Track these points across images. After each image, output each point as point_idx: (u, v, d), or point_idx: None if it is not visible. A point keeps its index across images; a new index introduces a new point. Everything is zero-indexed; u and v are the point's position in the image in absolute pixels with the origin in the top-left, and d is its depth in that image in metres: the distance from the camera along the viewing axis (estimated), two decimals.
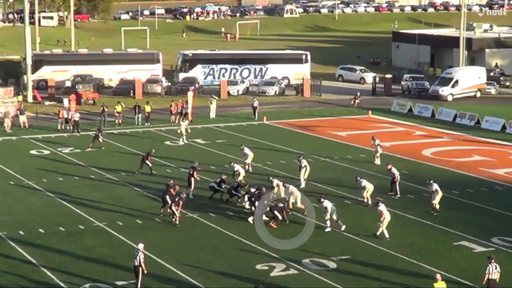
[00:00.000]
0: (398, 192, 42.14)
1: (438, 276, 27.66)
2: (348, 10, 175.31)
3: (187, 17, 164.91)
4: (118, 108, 62.84)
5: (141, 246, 29.77)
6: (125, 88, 78.17)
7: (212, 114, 65.83)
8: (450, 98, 77.44)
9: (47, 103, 73.98)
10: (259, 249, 33.91)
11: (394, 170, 42.76)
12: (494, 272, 28.35)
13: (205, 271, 31.46)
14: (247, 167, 46.77)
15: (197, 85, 79.17)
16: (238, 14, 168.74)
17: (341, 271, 31.53)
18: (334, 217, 36.46)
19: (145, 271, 29.43)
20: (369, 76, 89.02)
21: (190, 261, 32.52)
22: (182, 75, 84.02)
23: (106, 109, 62.55)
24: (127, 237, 35.26)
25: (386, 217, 35.54)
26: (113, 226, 36.99)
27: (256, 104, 66.15)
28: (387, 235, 35.22)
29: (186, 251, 33.91)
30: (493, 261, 28.61)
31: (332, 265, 32.20)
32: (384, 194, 41.75)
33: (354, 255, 33.24)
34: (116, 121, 62.51)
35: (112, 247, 34.27)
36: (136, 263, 29.33)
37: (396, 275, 31.18)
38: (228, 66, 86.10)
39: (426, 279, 29.53)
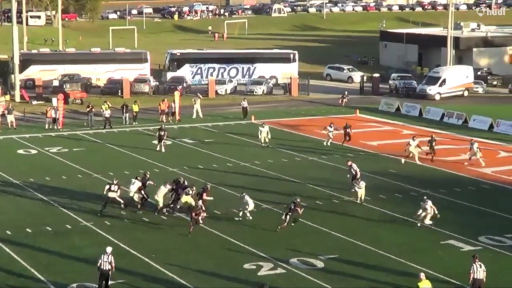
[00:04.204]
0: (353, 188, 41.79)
1: (422, 276, 27.61)
2: (336, 9, 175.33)
3: (175, 16, 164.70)
4: (105, 108, 62.67)
5: (109, 249, 29.51)
6: (113, 88, 78.03)
7: (197, 114, 65.48)
8: (437, 97, 77.63)
9: (34, 102, 73.76)
10: (246, 249, 33.91)
11: (354, 166, 42.64)
12: (479, 271, 28.32)
13: (193, 271, 31.42)
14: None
15: (185, 85, 79.12)
16: (225, 13, 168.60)
17: (329, 270, 31.54)
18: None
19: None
20: (357, 75, 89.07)
21: (178, 261, 32.48)
22: (170, 75, 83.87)
23: (93, 109, 62.46)
24: (114, 237, 35.19)
25: None
26: (101, 226, 36.91)
27: (245, 104, 65.81)
28: None
29: (174, 251, 33.86)
30: (477, 260, 28.60)
31: (320, 264, 32.21)
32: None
33: (342, 254, 33.26)
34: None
35: (99, 247, 34.04)
36: (108, 267, 28.94)
37: (384, 274, 31.21)
38: (216, 66, 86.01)
39: (414, 278, 29.46)
